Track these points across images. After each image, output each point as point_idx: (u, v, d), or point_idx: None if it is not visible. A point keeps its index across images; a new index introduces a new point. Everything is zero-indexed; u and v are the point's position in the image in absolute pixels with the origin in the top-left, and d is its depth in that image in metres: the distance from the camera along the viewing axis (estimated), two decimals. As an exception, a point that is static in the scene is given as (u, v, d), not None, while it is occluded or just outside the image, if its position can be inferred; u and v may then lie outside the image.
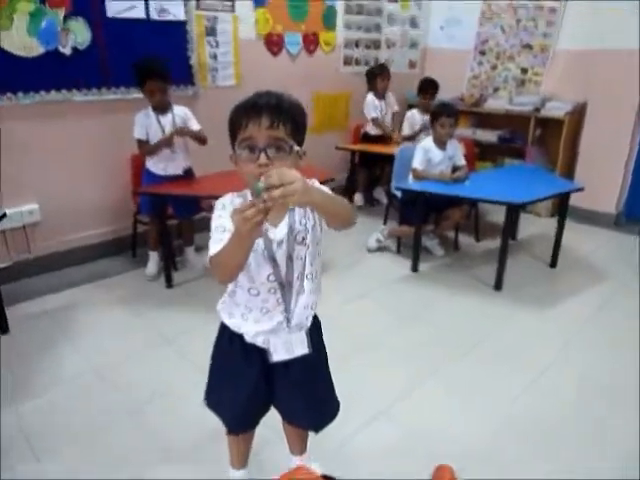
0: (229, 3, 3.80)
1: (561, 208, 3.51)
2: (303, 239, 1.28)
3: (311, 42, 4.45)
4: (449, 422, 2.09)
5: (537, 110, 4.60)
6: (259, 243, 1.25)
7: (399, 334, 2.73)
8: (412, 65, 5.60)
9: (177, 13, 3.52)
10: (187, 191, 3.16)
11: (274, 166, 1.12)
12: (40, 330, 2.70)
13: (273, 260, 1.27)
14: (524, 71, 4.98)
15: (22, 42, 2.92)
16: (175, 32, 3.57)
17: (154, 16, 3.41)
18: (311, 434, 1.64)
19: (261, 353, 1.36)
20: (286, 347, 1.35)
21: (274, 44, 4.18)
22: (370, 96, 4.62)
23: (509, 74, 5.09)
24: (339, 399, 1.54)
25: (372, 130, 4.73)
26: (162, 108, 3.09)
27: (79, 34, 3.12)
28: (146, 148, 3.13)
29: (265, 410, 1.51)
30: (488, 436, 2.02)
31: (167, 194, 3.07)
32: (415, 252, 3.45)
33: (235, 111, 1.20)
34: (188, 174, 3.31)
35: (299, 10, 4.29)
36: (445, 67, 5.34)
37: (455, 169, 3.55)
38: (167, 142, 3.10)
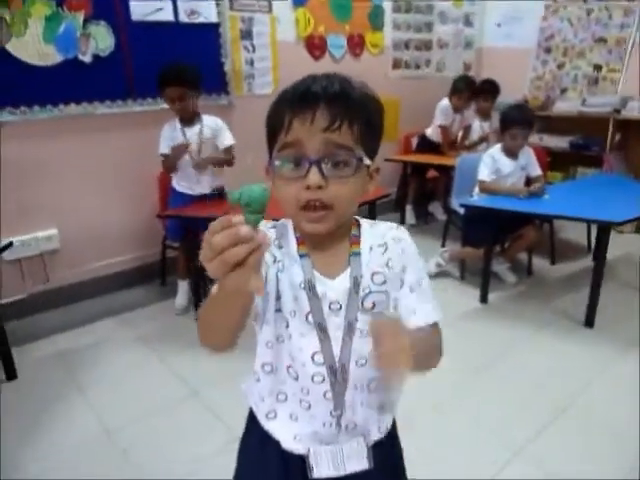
0: (265, 3, 3.42)
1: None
2: (374, 305, 0.84)
3: (356, 44, 4.03)
4: None
5: (617, 111, 4.02)
6: (302, 301, 0.81)
7: (470, 394, 2.20)
8: (467, 67, 5.09)
9: (209, 15, 3.17)
10: (214, 213, 2.76)
11: (330, 189, 0.71)
12: (51, 377, 2.34)
13: (322, 330, 0.83)
14: (598, 68, 4.40)
15: (37, 49, 2.61)
16: (207, 36, 3.21)
17: (183, 18, 3.06)
18: None
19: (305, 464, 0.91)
20: (334, 459, 0.89)
21: (316, 47, 3.78)
22: (446, 101, 4.09)
23: (579, 72, 4.52)
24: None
25: (434, 136, 4.21)
26: (187, 119, 2.72)
27: (101, 40, 2.80)
28: (163, 163, 2.77)
29: None
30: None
31: (192, 217, 2.68)
32: (484, 279, 2.93)
33: (276, 102, 0.80)
34: (219, 193, 2.91)
35: (343, 9, 3.88)
36: (503, 68, 4.80)
37: (529, 181, 3.03)
38: (178, 153, 2.69)
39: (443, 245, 3.58)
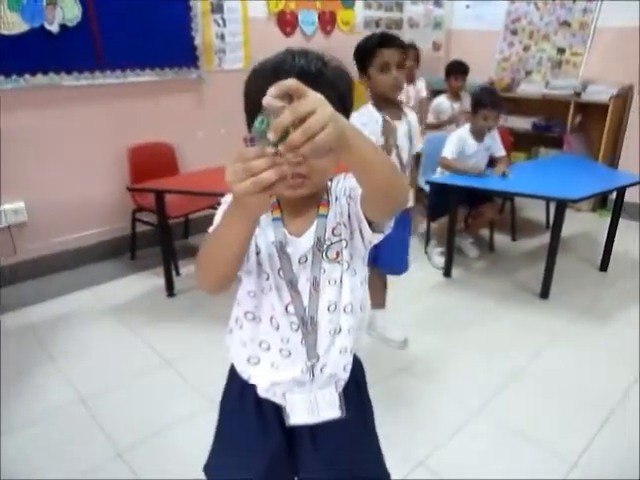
0: (237, -24, 3.40)
1: (616, 204, 3.08)
2: (337, 254, 0.90)
3: (328, 21, 4.04)
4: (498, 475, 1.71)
5: (577, 94, 4.16)
6: (274, 258, 0.88)
7: (438, 360, 2.32)
8: (436, 47, 5.16)
9: (179, -13, 3.13)
10: (188, 187, 2.79)
11: (307, 162, 0.75)
12: (23, 347, 2.35)
13: (291, 285, 0.90)
14: (561, 51, 4.52)
15: (2, 18, 2.55)
16: (177, 8, 3.17)
17: (153, -11, 3.02)
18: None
19: (281, 412, 0.99)
20: (309, 407, 0.96)
21: (287, 23, 3.78)
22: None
23: (544, 55, 4.63)
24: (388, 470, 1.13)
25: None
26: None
27: (68, 10, 2.74)
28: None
29: None
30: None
31: (164, 190, 2.69)
32: (448, 255, 3.05)
33: (254, 76, 0.84)
34: None
35: (314, -15, 3.88)
36: (472, 49, 4.88)
37: (493, 160, 3.14)
38: None
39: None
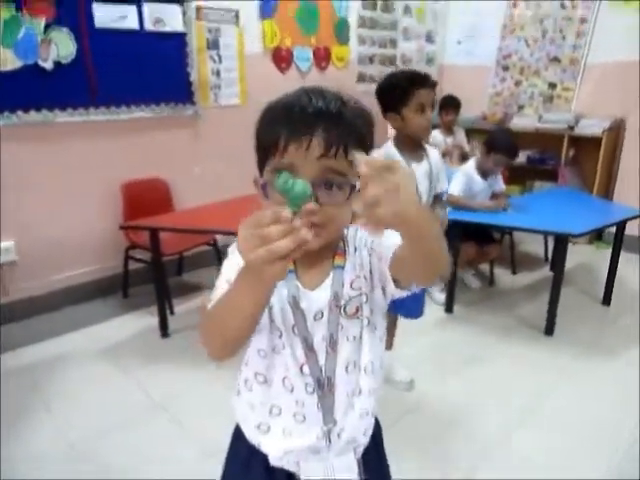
0: (232, 14, 3.41)
1: (616, 238, 3.05)
2: (357, 310, 0.84)
3: (322, 57, 4.07)
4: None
5: (571, 128, 4.19)
6: (287, 314, 0.81)
7: (439, 396, 2.25)
8: (428, 82, 5.22)
9: (174, 24, 3.13)
10: (183, 224, 2.73)
11: (322, 212, 0.69)
12: (14, 391, 2.24)
13: (306, 343, 0.82)
14: (552, 86, 4.58)
15: (-5, 55, 2.53)
16: (173, 45, 3.16)
17: (149, 27, 3.02)
18: None
19: None
20: (325, 475, 0.88)
21: (282, 59, 3.80)
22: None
23: (535, 90, 4.69)
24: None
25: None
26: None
27: (62, 46, 2.72)
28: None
29: None
30: None
31: (159, 228, 2.62)
32: (450, 290, 2.99)
33: (269, 118, 0.78)
34: None
35: (309, 22, 3.91)
36: (464, 84, 4.94)
37: (493, 196, 3.13)
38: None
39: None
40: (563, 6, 4.39)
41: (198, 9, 3.23)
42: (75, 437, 1.97)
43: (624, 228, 3.00)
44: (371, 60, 4.52)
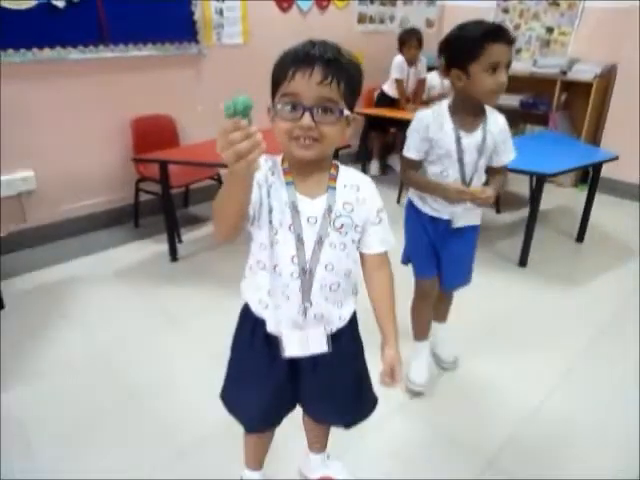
0: (236, -48, 3.49)
1: (592, 179, 3.27)
2: (342, 226, 1.10)
3: (323, -3, 4.14)
4: (470, 421, 1.93)
5: (563, 73, 4.31)
6: (286, 215, 1.07)
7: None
8: (430, 24, 5.27)
9: (179, -37, 3.23)
10: (190, 158, 2.96)
11: (318, 129, 0.96)
12: (35, 307, 2.53)
13: (299, 239, 1.08)
14: (550, 30, 4.65)
15: (11, -7, 2.67)
16: (177, -16, 3.28)
17: (155, -34, 3.12)
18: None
19: None
20: (301, 342, 1.16)
21: (284, -1, 3.88)
22: (400, 57, 4.31)
23: (533, 34, 4.77)
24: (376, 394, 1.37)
25: (390, 91, 4.44)
26: None
27: (73, -15, 2.85)
28: None
29: (290, 409, 1.34)
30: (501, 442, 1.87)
31: (168, 161, 2.85)
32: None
33: (282, 59, 1.01)
34: None
35: (311, -39, 3.96)
36: (464, 26, 4.99)
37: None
38: None
39: (399, 196, 3.86)
40: (565, -52, 4.39)
41: (202, -52, 3.31)
42: (94, 343, 2.28)
43: (600, 170, 3.21)
44: (372, 1, 4.56)
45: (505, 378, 2.13)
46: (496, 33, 1.52)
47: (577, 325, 2.51)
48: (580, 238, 3.39)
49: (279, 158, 1.11)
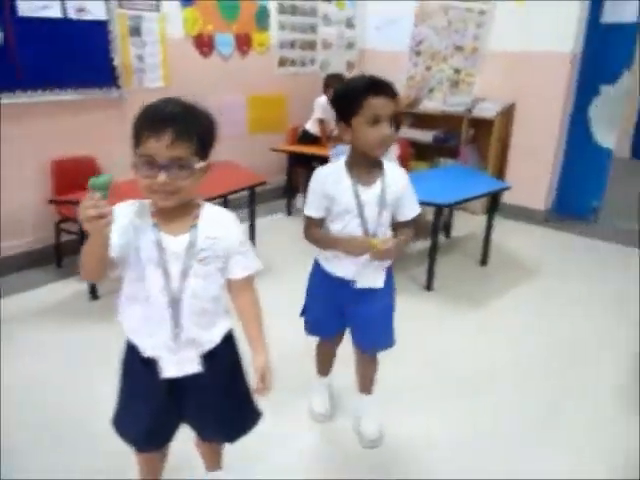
0: (154, 2, 3.68)
1: (491, 206, 3.59)
2: (205, 258, 1.25)
3: (244, 43, 4.38)
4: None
5: (469, 111, 4.70)
6: (152, 252, 1.20)
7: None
8: (350, 66, 5.61)
9: (97, 12, 3.38)
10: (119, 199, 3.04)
11: (173, 183, 1.13)
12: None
13: (165, 272, 1.22)
14: (457, 72, 5.07)
15: None
16: (96, 32, 3.42)
17: (72, 15, 3.25)
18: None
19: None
20: (176, 364, 1.29)
21: (204, 44, 4.09)
22: (323, 98, 4.55)
23: (443, 75, 5.17)
24: (260, 409, 1.50)
25: (313, 129, 4.69)
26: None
27: (-13, 33, 2.94)
28: None
29: (173, 427, 1.45)
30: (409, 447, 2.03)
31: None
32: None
33: (138, 120, 1.15)
34: None
35: (230, 10, 4.21)
36: (383, 68, 5.25)
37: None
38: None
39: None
40: (465, -2, 4.85)
41: (120, -2, 3.48)
42: (16, 383, 2.30)
43: (497, 199, 3.53)
44: (292, 45, 4.85)
45: (406, 397, 2.30)
46: (377, 87, 1.56)
47: (475, 346, 2.74)
48: (484, 261, 3.67)
49: (148, 201, 1.25)
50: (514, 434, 2.08)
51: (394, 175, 1.72)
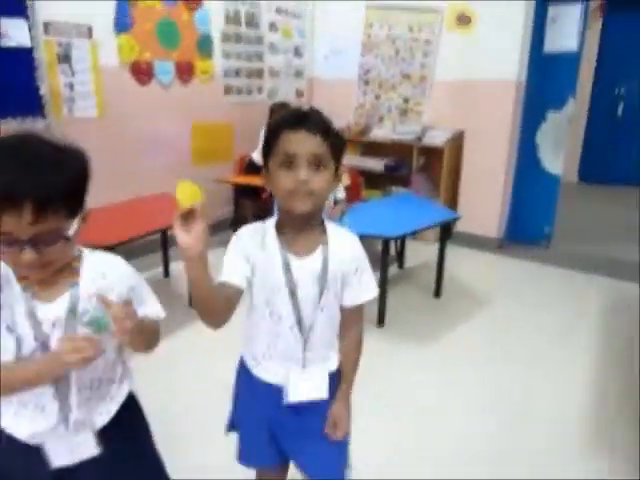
0: (85, 29, 3.48)
1: (443, 236, 3.49)
2: (90, 320, 1.03)
3: (185, 71, 4.21)
4: None
5: (419, 139, 4.66)
6: (24, 326, 0.99)
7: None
8: (300, 94, 5.53)
9: (21, 39, 3.15)
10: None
11: (46, 256, 0.93)
12: None
13: (44, 346, 1.01)
14: (406, 100, 5.05)
15: None
16: (19, 59, 3.17)
17: (-8, 41, 3.02)
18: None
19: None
20: (68, 450, 1.07)
21: (142, 72, 3.90)
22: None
23: (392, 103, 5.14)
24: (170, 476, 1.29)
25: (258, 158, 4.52)
26: None
27: None
28: None
29: None
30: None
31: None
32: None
33: None
34: None
35: (170, 38, 4.04)
36: (333, 96, 5.31)
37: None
38: None
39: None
40: (410, 29, 4.86)
41: (46, 24, 3.26)
42: None
43: (448, 228, 3.44)
44: (237, 73, 4.72)
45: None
46: (295, 120, 1.13)
47: (426, 378, 2.58)
48: (437, 293, 3.55)
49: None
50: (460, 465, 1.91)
51: (342, 244, 1.22)
